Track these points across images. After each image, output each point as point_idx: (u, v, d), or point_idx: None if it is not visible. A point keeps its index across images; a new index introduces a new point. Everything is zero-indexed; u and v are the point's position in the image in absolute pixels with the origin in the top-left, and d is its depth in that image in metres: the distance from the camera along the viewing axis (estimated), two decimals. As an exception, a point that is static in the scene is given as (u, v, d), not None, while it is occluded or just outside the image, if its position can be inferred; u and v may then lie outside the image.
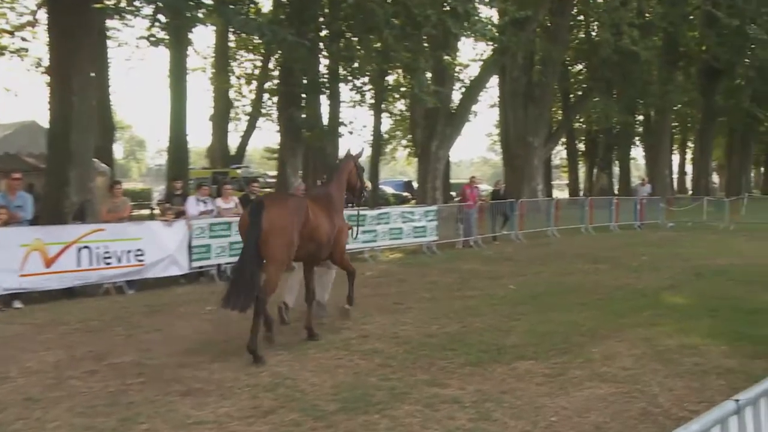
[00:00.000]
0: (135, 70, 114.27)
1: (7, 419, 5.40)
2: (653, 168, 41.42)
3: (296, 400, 5.80)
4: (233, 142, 38.70)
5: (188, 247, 12.11)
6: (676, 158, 67.08)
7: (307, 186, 19.73)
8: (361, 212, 15.60)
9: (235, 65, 38.23)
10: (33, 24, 23.63)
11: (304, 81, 23.64)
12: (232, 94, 36.72)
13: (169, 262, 11.84)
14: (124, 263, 11.24)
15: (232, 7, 16.35)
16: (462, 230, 18.63)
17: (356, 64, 24.10)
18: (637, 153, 61.19)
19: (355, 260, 15.07)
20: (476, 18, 18.57)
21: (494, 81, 36.44)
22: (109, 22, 25.64)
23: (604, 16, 29.61)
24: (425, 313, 9.46)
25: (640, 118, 48.44)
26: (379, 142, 41.70)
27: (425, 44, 22.66)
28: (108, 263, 11.07)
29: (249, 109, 38.52)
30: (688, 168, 63.67)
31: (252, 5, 23.90)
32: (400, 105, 43.30)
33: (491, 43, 27.05)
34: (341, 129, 26.48)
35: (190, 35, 22.83)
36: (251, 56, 38.38)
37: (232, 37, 33.45)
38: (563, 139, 48.44)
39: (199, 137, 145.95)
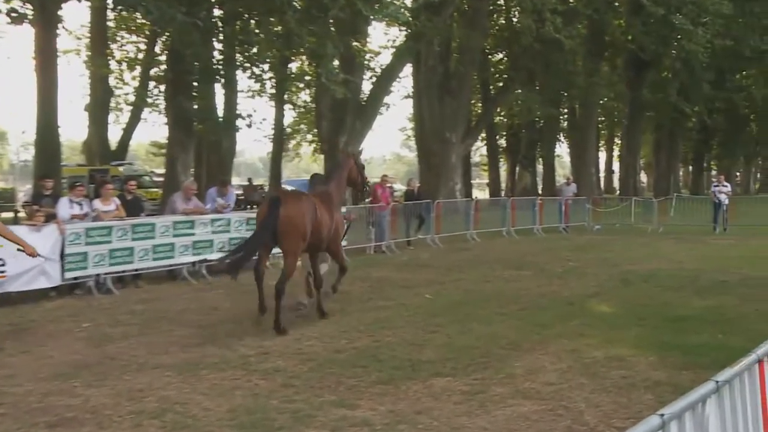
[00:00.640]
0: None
1: None
2: (579, 166, 42.78)
3: (187, 428, 5.67)
4: (114, 135, 37.63)
5: (60, 255, 11.68)
6: (602, 155, 69.75)
7: (199, 185, 19.38)
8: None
9: (115, 48, 37.14)
10: None
11: (196, 66, 23.21)
12: (111, 80, 35.58)
13: (36, 272, 11.38)
14: (-20, 275, 10.73)
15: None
16: (373, 234, 18.70)
17: (255, 50, 23.85)
18: (562, 150, 63.30)
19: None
20: (388, 0, 18.73)
21: (408, 70, 36.87)
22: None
23: (525, 1, 30.41)
24: (332, 326, 9.44)
25: (565, 111, 50.00)
26: (281, 137, 41.52)
27: (332, 28, 22.67)
28: (-38, 276, 10.54)
29: (132, 98, 37.48)
30: (616, 166, 66.16)
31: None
32: (305, 95, 43.18)
33: (404, 28, 27.35)
34: (238, 122, 26.16)
35: (60, 12, 22.00)
36: (134, 38, 37.41)
37: (111, 15, 32.47)
38: (483, 135, 49.43)
39: (74, 130, 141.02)
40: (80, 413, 6.03)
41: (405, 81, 42.46)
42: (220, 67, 24.07)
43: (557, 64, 35.27)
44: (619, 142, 62.19)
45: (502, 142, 55.91)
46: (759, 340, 4.13)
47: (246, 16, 22.76)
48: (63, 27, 23.17)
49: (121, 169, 30.39)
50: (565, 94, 41.84)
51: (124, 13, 28.83)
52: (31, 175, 26.68)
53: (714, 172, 64.03)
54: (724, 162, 59.30)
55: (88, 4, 26.64)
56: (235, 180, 44.30)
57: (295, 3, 17.88)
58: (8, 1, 14.66)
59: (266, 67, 26.28)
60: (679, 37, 34.39)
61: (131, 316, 10.18)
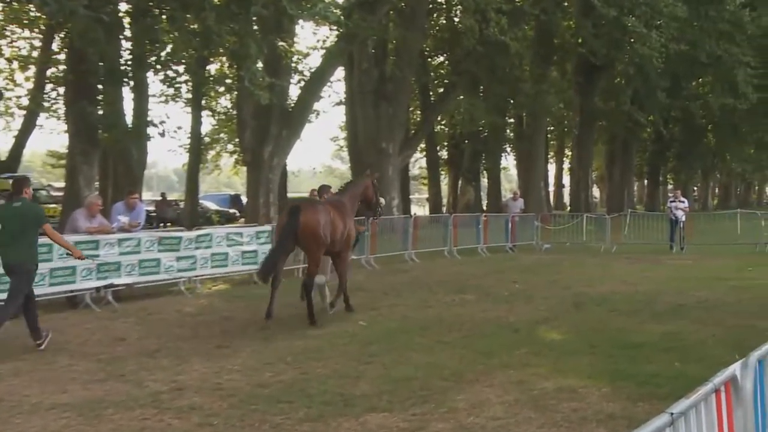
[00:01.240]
0: None
1: None
2: (527, 180, 43.38)
3: (88, 477, 5.55)
4: (5, 143, 36.75)
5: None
6: (552, 168, 70.93)
7: (105, 201, 19.03)
8: (175, 234, 15.39)
9: (4, 44, 36.26)
10: None
11: (101, 67, 22.83)
12: (1, 82, 34.79)
13: None
14: None
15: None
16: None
17: (168, 49, 23.58)
18: (509, 162, 64.14)
19: (168, 294, 14.75)
20: (316, -3, 18.78)
21: (340, 74, 36.92)
22: None
23: (468, -1, 30.81)
24: (256, 357, 9.39)
25: (512, 120, 50.69)
26: (198, 147, 41.04)
27: (255, 27, 22.60)
28: None
29: (26, 101, 36.64)
30: (566, 179, 67.27)
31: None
32: (225, 101, 42.91)
33: (335, 27, 27.40)
34: (150, 129, 25.76)
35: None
36: (27, 33, 36.61)
37: None
38: (422, 145, 49.75)
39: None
40: (-36, 461, 5.85)
41: (336, 86, 42.60)
42: (129, 67, 23.72)
43: (503, 69, 35.74)
44: (570, 153, 63.28)
45: (444, 153, 56.32)
46: (717, 367, 4.26)
47: (158, 11, 22.51)
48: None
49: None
50: (512, 101, 42.41)
51: (14, 4, 28.14)
52: None
53: (670, 187, 65.75)
54: (680, 176, 60.81)
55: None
56: (147, 195, 43.65)
57: (213, -3, 17.78)
58: None
59: (181, 68, 26.01)
60: (632, 40, 35.28)
61: (23, 350, 9.92)
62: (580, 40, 39.84)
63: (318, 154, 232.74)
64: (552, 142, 65.47)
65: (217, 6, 17.98)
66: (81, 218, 14.08)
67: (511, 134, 52.70)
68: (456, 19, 39.61)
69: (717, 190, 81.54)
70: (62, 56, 31.13)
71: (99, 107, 24.23)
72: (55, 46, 33.75)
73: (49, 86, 34.85)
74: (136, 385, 8.09)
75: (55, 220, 25.27)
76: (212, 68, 35.47)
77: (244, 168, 32.57)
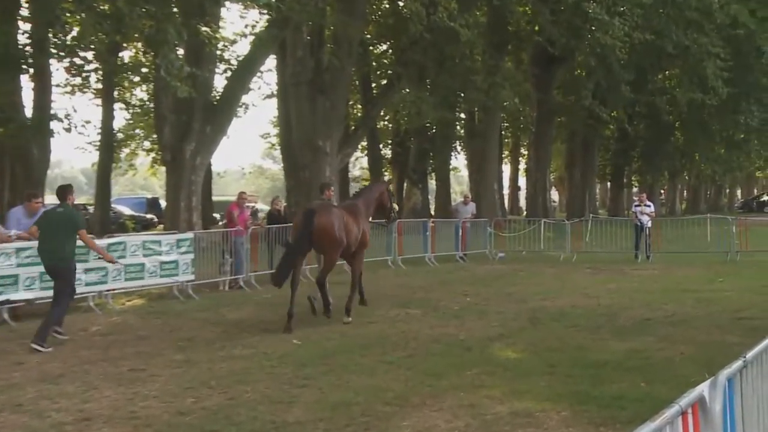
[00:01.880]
0: None
1: None
2: (479, 181, 43.64)
3: None
4: None
5: None
6: (507, 169, 71.62)
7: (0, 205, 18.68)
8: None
9: None
10: None
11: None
12: None
13: None
14: None
15: None
16: (229, 266, 18.51)
17: (74, 33, 23.25)
18: (459, 162, 64.58)
19: (76, 310, 14.51)
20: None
21: (271, 63, 36.80)
22: None
23: (413, -19, 30.93)
24: (176, 381, 9.30)
25: (462, 116, 50.99)
26: (110, 144, 40.50)
27: (174, 9, 22.39)
28: None
29: None
30: (522, 181, 67.97)
31: None
32: (141, 92, 42.43)
33: (265, 11, 27.29)
34: (53, 124, 25.34)
35: None
36: None
37: None
38: (364, 143, 49.82)
39: None
40: None
41: (267, 76, 42.40)
42: (28, 53, 23.31)
43: (452, 59, 35.92)
44: (526, 153, 63.99)
45: (387, 152, 56.51)
46: (685, 388, 4.33)
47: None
48: None
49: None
50: (462, 94, 42.64)
51: None
52: None
53: (635, 190, 66.69)
54: (646, 177, 61.63)
55: None
56: (50, 198, 42.87)
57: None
58: None
59: (90, 55, 25.65)
60: (593, 28, 35.70)
61: None
62: (536, 28, 40.26)
63: (247, 153, 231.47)
64: (507, 141, 66.07)
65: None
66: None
67: (462, 131, 52.97)
68: (401, 4, 39.71)
69: (685, 194, 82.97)
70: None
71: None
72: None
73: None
74: (35, 415, 7.94)
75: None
76: (125, 55, 35.10)
77: (163, 168, 32.25)
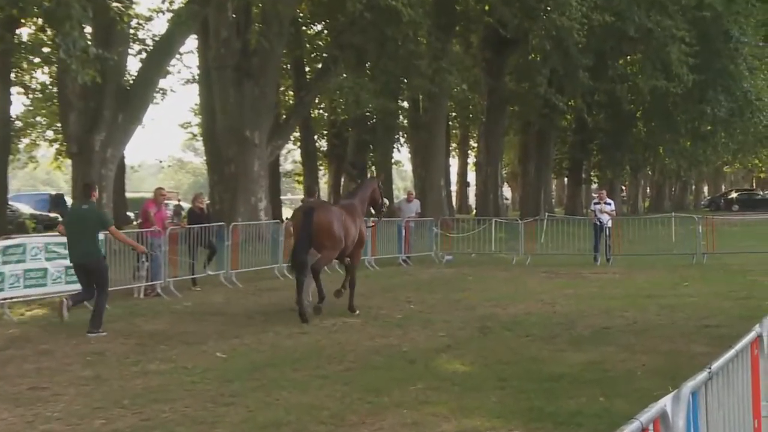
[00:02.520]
0: None
1: None
2: (424, 177, 43.82)
3: None
4: None
5: None
6: (454, 163, 71.98)
7: None
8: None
9: None
10: None
11: None
12: None
13: None
14: None
15: None
16: (145, 271, 18.32)
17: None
18: (402, 155, 64.79)
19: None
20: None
21: (192, 44, 36.55)
22: None
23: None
24: (83, 400, 9.19)
25: (405, 105, 51.09)
26: (7, 134, 39.76)
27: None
28: None
29: None
30: (471, 177, 68.32)
31: None
32: (43, 75, 41.84)
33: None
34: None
35: None
36: None
37: None
38: (297, 134, 49.71)
39: None
40: None
41: (188, 59, 42.08)
42: None
43: (394, 41, 35.94)
44: (476, 145, 64.31)
45: (323, 144, 56.43)
46: (646, 401, 4.38)
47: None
48: None
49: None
50: (405, 81, 42.76)
51: None
52: None
53: (595, 186, 67.43)
54: (606, 173, 62.17)
55: None
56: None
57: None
58: None
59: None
60: (548, 9, 36.05)
61: None
62: (487, 8, 40.45)
63: (166, 144, 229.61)
64: (454, 132, 66.41)
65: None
66: None
67: (405, 122, 53.08)
68: (337, -21, 39.70)
69: (648, 190, 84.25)
70: None
71: None
72: None
73: None
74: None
75: None
76: (24, 32, 34.55)
77: (69, 161, 31.84)
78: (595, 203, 26.28)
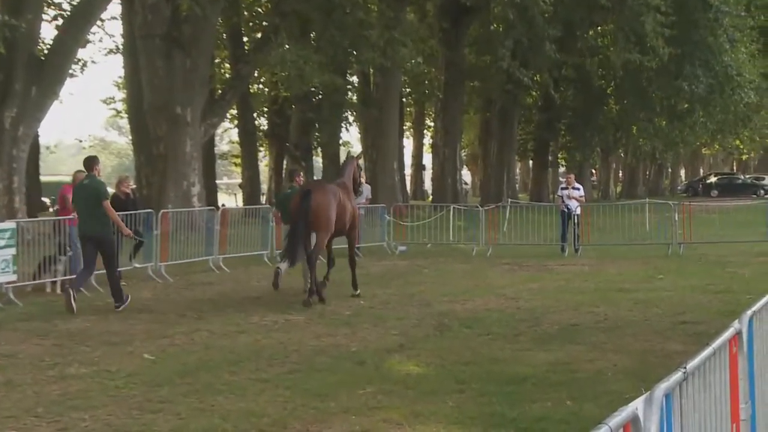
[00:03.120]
0: None
1: None
2: (375, 159, 43.88)
3: None
4: None
5: None
6: (408, 144, 72.04)
7: None
8: None
9: None
10: None
11: None
12: None
13: None
14: None
15: None
16: (61, 263, 18.14)
17: None
18: (351, 135, 64.73)
19: None
20: None
21: (115, 9, 36.19)
22: None
23: None
24: (-6, 410, 9.10)
25: (355, 79, 51.05)
26: None
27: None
28: None
29: None
30: (427, 159, 68.44)
31: None
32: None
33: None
34: None
35: None
36: None
37: None
38: (234, 111, 49.50)
39: None
40: None
41: (111, 26, 41.68)
42: None
43: (342, 9, 35.92)
44: (432, 124, 64.42)
45: (263, 122, 56.21)
46: (617, 405, 4.41)
47: None
48: None
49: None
50: (354, 53, 42.74)
51: None
52: None
53: (562, 170, 67.80)
54: (575, 155, 62.24)
55: None
56: None
57: None
58: None
59: None
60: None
61: None
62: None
63: (86, 122, 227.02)
64: (409, 110, 66.50)
65: None
66: None
67: (355, 98, 53.01)
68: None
69: (621, 174, 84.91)
70: None
71: None
72: None
73: None
74: None
75: None
76: None
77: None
78: (563, 188, 26.31)
